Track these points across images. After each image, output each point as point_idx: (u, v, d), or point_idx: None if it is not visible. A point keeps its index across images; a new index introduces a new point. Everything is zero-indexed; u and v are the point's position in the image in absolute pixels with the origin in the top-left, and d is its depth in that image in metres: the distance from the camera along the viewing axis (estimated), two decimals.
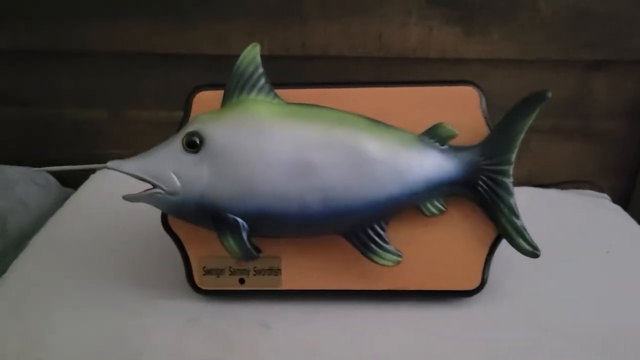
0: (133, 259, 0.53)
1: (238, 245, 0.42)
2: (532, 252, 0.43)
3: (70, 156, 0.74)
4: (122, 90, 0.71)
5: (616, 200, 0.68)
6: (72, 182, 0.71)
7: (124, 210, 0.60)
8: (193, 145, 0.41)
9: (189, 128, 0.41)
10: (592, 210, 0.65)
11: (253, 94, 0.42)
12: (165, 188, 0.41)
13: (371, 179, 0.41)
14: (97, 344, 0.43)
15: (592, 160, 0.71)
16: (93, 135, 0.73)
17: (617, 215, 0.64)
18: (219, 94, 0.44)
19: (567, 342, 0.44)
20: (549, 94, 0.41)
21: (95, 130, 0.73)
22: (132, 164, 0.41)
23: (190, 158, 0.41)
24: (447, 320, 0.46)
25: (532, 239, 0.43)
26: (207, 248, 0.46)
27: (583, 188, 0.69)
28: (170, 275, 0.50)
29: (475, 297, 0.46)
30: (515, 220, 0.43)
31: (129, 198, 0.41)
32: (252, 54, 0.42)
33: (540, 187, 0.69)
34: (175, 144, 0.41)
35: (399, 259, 0.43)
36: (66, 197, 0.66)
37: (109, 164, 0.40)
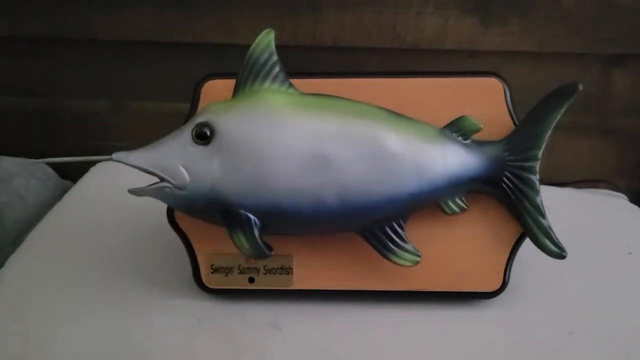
0: (136, 256, 0.52)
1: (249, 242, 0.40)
2: (559, 254, 0.41)
3: (71, 148, 0.72)
4: (125, 81, 0.69)
5: (632, 199, 0.66)
6: (72, 175, 0.69)
7: (126, 205, 0.58)
8: (203, 136, 0.39)
9: (199, 119, 0.39)
10: (610, 210, 0.63)
11: (267, 83, 0.40)
12: (173, 182, 0.39)
13: (391, 174, 0.39)
14: (99, 345, 0.42)
15: (609, 158, 0.70)
16: (94, 127, 0.71)
17: (636, 215, 0.63)
18: (229, 83, 0.42)
19: (593, 346, 0.43)
20: (580, 86, 0.39)
21: (97, 121, 0.71)
22: (138, 156, 0.39)
23: (200, 150, 0.39)
24: (467, 323, 0.44)
25: (558, 240, 0.41)
26: (215, 245, 0.44)
27: (600, 187, 0.68)
28: (176, 273, 0.48)
29: (495, 299, 0.45)
30: (542, 220, 0.41)
31: (135, 192, 0.39)
32: (266, 40, 0.40)
33: (555, 186, 0.67)
34: (185, 135, 0.39)
35: (418, 259, 0.41)
36: (65, 190, 0.65)
37: (114, 155, 0.38)
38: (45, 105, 0.71)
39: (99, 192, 0.62)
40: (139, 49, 0.66)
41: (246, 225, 0.40)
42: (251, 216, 0.40)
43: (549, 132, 0.40)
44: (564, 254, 0.41)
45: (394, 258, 0.41)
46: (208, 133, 0.39)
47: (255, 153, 0.39)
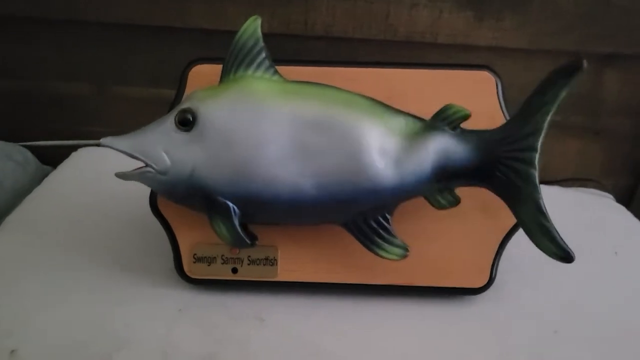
0: (116, 243, 0.50)
1: (229, 230, 0.40)
2: (563, 255, 0.37)
3: (51, 132, 0.71)
4: (110, 64, 0.67)
5: (618, 199, 0.67)
6: (52, 159, 0.67)
7: (108, 191, 0.58)
8: (185, 122, 0.39)
9: (183, 105, 0.39)
10: (597, 210, 0.63)
11: (251, 70, 0.39)
12: (155, 167, 0.39)
13: (369, 165, 0.38)
14: (76, 333, 0.40)
15: (598, 158, 0.70)
16: (76, 111, 0.70)
17: (622, 215, 0.63)
18: (216, 68, 0.41)
19: (577, 344, 0.42)
20: (585, 64, 0.35)
21: (79, 105, 0.69)
22: (124, 141, 0.39)
23: (181, 136, 0.39)
24: (452, 319, 0.44)
25: (562, 240, 0.37)
26: (198, 234, 0.43)
27: (587, 186, 0.68)
28: (157, 262, 0.47)
29: (480, 295, 0.44)
30: (541, 218, 0.37)
31: (121, 176, 0.39)
32: (252, 27, 0.39)
33: (543, 184, 0.66)
34: (169, 121, 0.39)
35: (406, 252, 0.40)
36: (45, 175, 0.63)
37: (102, 140, 0.39)
38: (25, 86, 0.69)
39: (79, 178, 0.61)
40: (125, 31, 0.64)
41: (226, 214, 0.39)
42: (230, 204, 0.39)
43: (549, 119, 0.36)
44: (571, 256, 0.37)
45: (380, 252, 0.40)
46: (190, 119, 0.39)
47: (236, 140, 0.38)
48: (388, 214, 0.40)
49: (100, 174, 0.60)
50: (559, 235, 0.37)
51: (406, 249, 0.40)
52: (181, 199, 0.41)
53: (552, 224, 0.37)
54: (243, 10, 0.60)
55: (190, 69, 0.43)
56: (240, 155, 0.38)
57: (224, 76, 0.40)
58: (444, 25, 0.61)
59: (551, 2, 0.60)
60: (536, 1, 0.60)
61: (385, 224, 0.40)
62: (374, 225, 0.40)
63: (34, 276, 0.46)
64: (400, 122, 0.39)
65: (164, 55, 0.65)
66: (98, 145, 0.39)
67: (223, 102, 0.39)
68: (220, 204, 0.39)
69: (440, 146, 0.39)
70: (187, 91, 0.42)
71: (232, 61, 0.39)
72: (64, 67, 0.67)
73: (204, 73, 0.42)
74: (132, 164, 0.39)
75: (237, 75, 0.39)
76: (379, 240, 0.40)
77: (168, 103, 0.43)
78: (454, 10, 0.60)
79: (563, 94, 0.36)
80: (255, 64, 0.39)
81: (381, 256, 0.40)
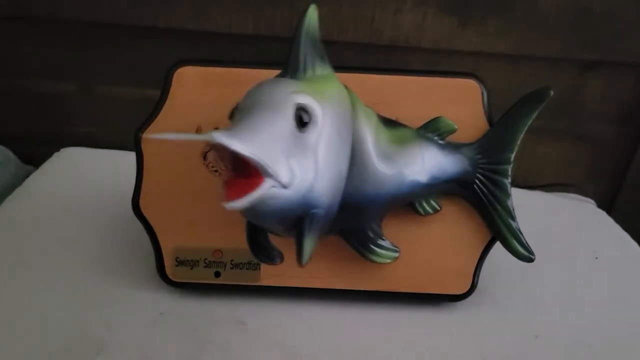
0: (98, 246, 0.50)
1: (313, 246, 0.34)
2: (527, 257, 0.41)
3: (34, 132, 0.70)
4: (93, 64, 0.66)
5: (599, 204, 0.67)
6: (34, 159, 0.66)
7: (89, 192, 0.57)
8: (304, 124, 0.32)
9: (297, 99, 0.32)
10: (578, 215, 0.64)
11: (328, 68, 0.35)
12: (281, 179, 0.30)
13: (376, 173, 0.37)
14: (52, 338, 0.40)
15: (579, 163, 0.70)
16: (59, 111, 0.69)
17: (603, 220, 0.64)
18: (201, 70, 0.41)
19: (558, 349, 0.43)
20: (551, 92, 0.40)
21: (62, 105, 0.68)
22: (242, 141, 0.28)
23: (299, 139, 0.31)
24: (433, 325, 0.44)
25: (527, 243, 0.41)
26: (180, 237, 0.43)
27: (568, 192, 0.68)
28: (138, 265, 0.47)
29: (463, 301, 0.45)
30: (512, 223, 0.41)
31: (238, 204, 0.28)
32: (315, 17, 0.35)
33: (524, 189, 0.67)
34: (283, 119, 0.31)
35: (396, 254, 0.40)
36: (26, 176, 0.62)
37: (215, 135, 0.27)
38: (7, 85, 0.68)
39: (61, 179, 0.60)
40: (109, 31, 0.64)
41: (318, 230, 0.34)
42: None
43: (521, 136, 0.41)
44: (533, 257, 0.41)
45: (373, 257, 0.40)
46: (307, 120, 0.32)
47: (335, 149, 0.33)
48: (380, 220, 0.41)
49: (83, 175, 0.60)
50: (524, 237, 0.41)
51: (396, 251, 0.41)
52: (291, 223, 0.33)
53: (519, 228, 0.41)
54: (228, 11, 0.60)
55: (175, 70, 0.42)
56: (338, 167, 0.34)
57: (302, 71, 0.34)
58: (428, 29, 0.61)
59: (535, 9, 0.60)
60: (520, 7, 0.60)
61: (378, 229, 0.41)
62: (368, 232, 0.40)
63: (12, 278, 0.45)
64: (395, 130, 0.40)
65: (149, 56, 0.65)
66: (214, 140, 0.27)
67: (328, 106, 0.33)
68: (318, 218, 0.33)
69: (431, 156, 0.40)
70: (172, 92, 0.42)
71: (310, 53, 0.34)
72: (49, 67, 0.66)
73: (189, 75, 0.42)
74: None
75: (316, 72, 0.35)
76: (372, 246, 0.40)
77: (152, 102, 0.42)
78: (438, 15, 0.60)
79: (533, 116, 0.41)
80: (327, 59, 0.36)
81: (373, 261, 0.40)
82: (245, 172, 0.29)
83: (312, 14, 0.35)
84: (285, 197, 0.30)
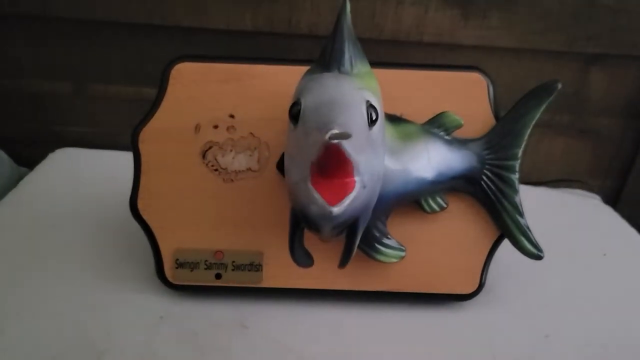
0: (95, 249, 0.49)
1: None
2: (536, 254, 0.41)
3: (28, 133, 0.69)
4: (88, 62, 0.65)
5: (605, 200, 0.67)
6: (28, 161, 0.65)
7: (86, 193, 0.56)
8: (373, 121, 0.31)
9: (365, 96, 0.30)
10: (584, 211, 0.63)
11: (368, 64, 0.34)
12: (364, 179, 0.30)
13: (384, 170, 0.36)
14: (50, 344, 0.39)
15: (584, 158, 0.69)
16: (54, 111, 0.67)
17: (609, 216, 0.63)
18: (199, 66, 0.41)
19: (568, 348, 0.42)
20: (559, 85, 0.39)
21: (57, 104, 0.67)
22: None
23: (370, 136, 0.31)
24: (442, 325, 0.43)
25: (536, 240, 0.41)
26: (180, 238, 0.42)
27: (573, 187, 0.67)
28: (137, 268, 0.46)
29: (471, 300, 0.44)
30: (520, 220, 0.41)
31: (338, 211, 0.29)
32: (348, 11, 0.33)
33: (529, 185, 0.66)
34: (360, 115, 0.30)
35: (403, 253, 0.40)
36: (21, 177, 0.61)
37: (332, 134, 0.27)
38: (2, 85, 0.66)
39: (57, 181, 0.59)
40: (104, 28, 0.62)
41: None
42: None
43: (529, 131, 0.40)
44: (542, 254, 0.40)
45: (379, 257, 0.40)
46: (374, 117, 0.30)
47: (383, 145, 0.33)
48: (385, 218, 0.40)
49: (79, 176, 0.59)
50: (532, 234, 0.41)
51: (402, 249, 0.40)
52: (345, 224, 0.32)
53: (527, 225, 0.41)
54: (225, 8, 0.59)
55: (172, 67, 0.41)
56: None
57: (349, 66, 0.33)
58: (430, 23, 0.60)
59: (538, 2, 0.59)
60: (522, 0, 0.59)
61: (383, 228, 0.40)
62: (373, 231, 0.39)
63: (10, 282, 0.44)
64: (400, 125, 0.39)
65: (144, 53, 0.63)
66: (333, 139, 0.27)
67: (378, 101, 0.32)
68: (367, 217, 0.33)
69: (438, 152, 0.39)
70: (170, 89, 0.41)
71: (357, 50, 0.33)
72: (43, 65, 0.65)
73: (186, 71, 0.41)
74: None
75: (360, 68, 0.33)
76: (377, 245, 0.39)
77: (149, 101, 0.41)
78: (440, 8, 0.59)
79: (541, 109, 0.40)
80: (364, 55, 0.34)
81: (380, 261, 0.40)
82: (328, 172, 0.29)
83: (345, 8, 0.33)
84: (364, 196, 0.30)
